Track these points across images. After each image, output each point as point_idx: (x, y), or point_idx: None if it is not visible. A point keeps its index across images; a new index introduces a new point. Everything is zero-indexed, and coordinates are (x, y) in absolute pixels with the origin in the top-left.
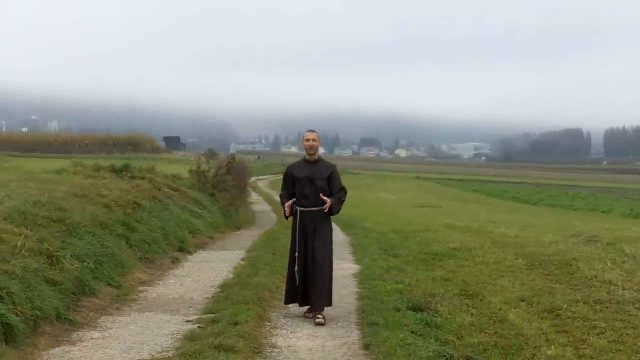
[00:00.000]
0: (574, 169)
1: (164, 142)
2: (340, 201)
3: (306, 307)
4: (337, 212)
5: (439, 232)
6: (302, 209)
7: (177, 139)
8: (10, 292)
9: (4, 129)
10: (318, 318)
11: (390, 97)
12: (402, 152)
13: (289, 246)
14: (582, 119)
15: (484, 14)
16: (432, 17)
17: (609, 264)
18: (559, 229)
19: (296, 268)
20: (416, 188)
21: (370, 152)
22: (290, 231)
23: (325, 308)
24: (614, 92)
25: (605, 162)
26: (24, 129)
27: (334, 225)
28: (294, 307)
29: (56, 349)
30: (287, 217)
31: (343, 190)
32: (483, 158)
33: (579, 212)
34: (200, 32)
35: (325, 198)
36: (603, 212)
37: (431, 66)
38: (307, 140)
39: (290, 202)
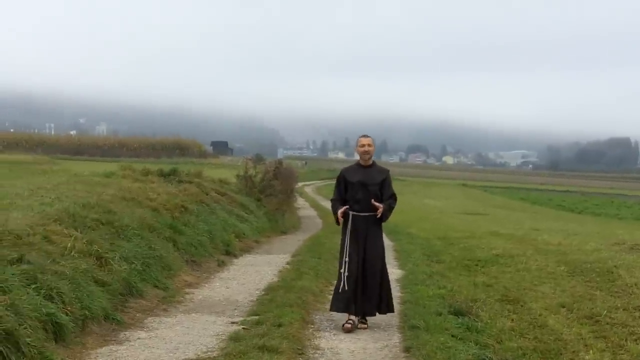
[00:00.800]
0: (621, 178)
1: (211, 147)
2: (390, 208)
3: (354, 316)
4: (387, 219)
5: (483, 239)
6: (355, 213)
7: (225, 143)
8: (60, 292)
9: (53, 132)
10: (362, 323)
11: (438, 104)
12: (449, 159)
13: (333, 251)
14: (630, 128)
15: (533, 20)
16: (480, 23)
17: None
18: (603, 238)
19: (346, 274)
20: (462, 195)
21: (418, 159)
22: (338, 236)
23: (378, 314)
24: None
25: None
26: (73, 132)
27: None
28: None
29: (104, 348)
30: (338, 223)
31: (393, 196)
32: (530, 166)
33: (624, 221)
34: (248, 37)
35: (377, 204)
36: None
37: (479, 73)
38: (362, 145)
39: (343, 208)
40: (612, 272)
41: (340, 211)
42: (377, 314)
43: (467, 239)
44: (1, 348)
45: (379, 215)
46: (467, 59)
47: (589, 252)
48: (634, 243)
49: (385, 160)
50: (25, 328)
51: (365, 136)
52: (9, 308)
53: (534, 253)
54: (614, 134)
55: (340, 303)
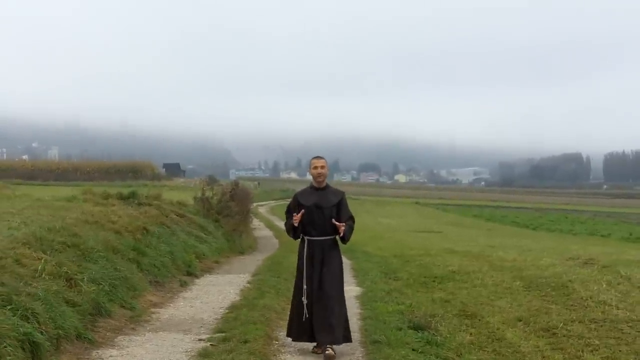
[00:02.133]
0: (574, 193)
1: (164, 169)
2: (351, 229)
3: (314, 343)
4: (348, 239)
5: (439, 256)
6: (311, 238)
7: (177, 165)
8: (35, 313)
9: (5, 157)
10: (328, 350)
11: (390, 123)
12: (401, 178)
13: (292, 269)
14: (581, 144)
15: (484, 35)
16: (429, 39)
17: (604, 285)
18: (557, 253)
19: (305, 301)
20: (416, 213)
21: (370, 178)
22: (295, 255)
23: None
24: (613, 117)
25: (605, 187)
26: (25, 157)
27: None
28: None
29: None
30: (294, 235)
31: (352, 218)
32: (482, 183)
33: (578, 236)
34: (197, 58)
35: (337, 223)
36: (602, 236)
37: (430, 91)
38: (315, 167)
39: (300, 214)
40: (567, 286)
41: (296, 216)
42: (341, 343)
43: (422, 257)
44: None
45: (341, 234)
46: (418, 77)
47: (544, 267)
48: (588, 258)
49: (338, 179)
50: (5, 347)
51: (318, 157)
52: None
53: (490, 269)
54: (567, 150)
55: (304, 333)
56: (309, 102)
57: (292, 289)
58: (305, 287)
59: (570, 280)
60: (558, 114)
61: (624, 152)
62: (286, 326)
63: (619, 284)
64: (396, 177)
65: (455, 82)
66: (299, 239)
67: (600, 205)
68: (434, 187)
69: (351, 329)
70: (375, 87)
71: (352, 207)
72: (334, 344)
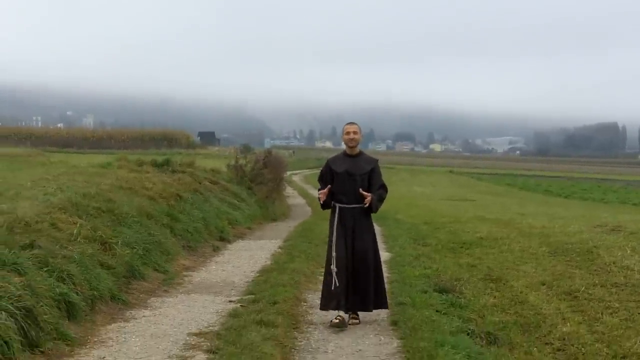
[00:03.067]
0: (609, 163)
1: (198, 138)
2: (381, 198)
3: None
4: (377, 209)
5: (469, 223)
6: (342, 205)
7: (212, 134)
8: (71, 274)
9: (40, 125)
10: (353, 319)
11: (425, 92)
12: (436, 147)
13: (323, 236)
14: (617, 113)
15: (519, 4)
16: (465, 8)
17: (628, 252)
18: (586, 220)
19: (334, 269)
20: (449, 182)
21: (405, 147)
22: (327, 222)
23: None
24: None
25: None
26: (60, 125)
27: None
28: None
29: (112, 325)
30: (323, 206)
31: (383, 187)
32: (517, 152)
33: (609, 205)
34: (233, 27)
35: (365, 193)
36: (634, 204)
37: (467, 60)
38: (348, 133)
39: (326, 189)
40: (592, 252)
41: (322, 191)
42: (372, 310)
43: (452, 224)
44: (22, 324)
45: (366, 205)
46: (453, 46)
47: (571, 234)
48: (616, 225)
49: (373, 148)
50: (42, 306)
51: (351, 123)
52: (26, 288)
53: (518, 235)
54: (602, 120)
55: (331, 301)
56: (343, 71)
57: (322, 254)
58: (335, 254)
59: (595, 246)
60: (595, 84)
61: None
62: (317, 287)
63: None
64: (431, 146)
65: (491, 51)
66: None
67: (634, 174)
68: (469, 156)
69: None
70: (410, 57)
71: (386, 175)
72: (364, 311)
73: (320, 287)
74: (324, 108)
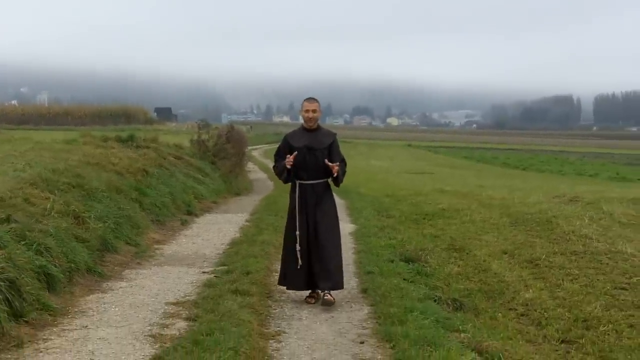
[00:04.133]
0: (564, 135)
1: (155, 114)
2: (343, 172)
3: (308, 292)
4: (341, 182)
5: (430, 195)
6: (302, 182)
7: (169, 110)
8: (48, 247)
9: None
10: (327, 295)
11: (383, 66)
12: (394, 121)
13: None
14: (572, 86)
15: None
16: None
17: (586, 221)
18: (545, 192)
19: (298, 247)
20: (408, 155)
21: (363, 121)
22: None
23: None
24: (603, 58)
25: (595, 128)
26: (14, 102)
27: None
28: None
29: (91, 296)
30: (286, 176)
31: (343, 161)
32: (474, 126)
33: (566, 176)
34: (193, 2)
35: (331, 164)
36: (590, 176)
37: (426, 36)
38: (307, 111)
39: (292, 156)
40: (552, 222)
41: (289, 158)
42: (330, 290)
43: (414, 196)
44: (7, 294)
45: (334, 175)
46: (413, 21)
47: (531, 205)
48: (573, 196)
49: (330, 122)
50: (24, 278)
51: (310, 100)
52: (7, 261)
53: (479, 207)
54: (558, 92)
55: (299, 281)
56: (302, 48)
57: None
58: (298, 232)
59: (554, 216)
60: (550, 57)
61: (614, 94)
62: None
63: (600, 219)
64: (388, 120)
65: (448, 26)
66: (290, 184)
67: (589, 146)
68: (426, 130)
69: (346, 261)
70: (369, 30)
71: (345, 150)
72: (335, 289)
73: None
74: (284, 83)
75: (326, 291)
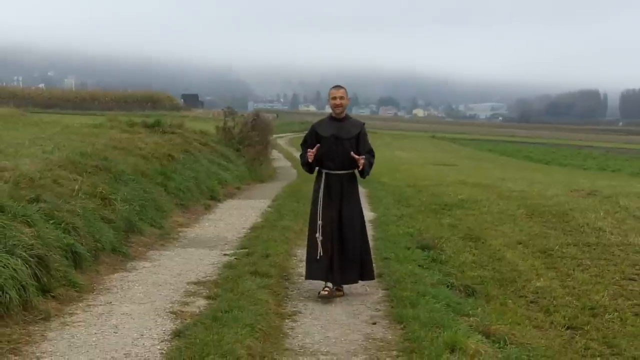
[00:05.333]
0: (590, 129)
1: (182, 100)
2: (370, 164)
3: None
4: (367, 174)
5: (451, 187)
6: (328, 172)
7: (195, 96)
8: (76, 227)
9: (21, 84)
10: (338, 290)
11: (410, 57)
12: (419, 112)
13: (310, 195)
14: (598, 81)
15: None
16: None
17: (601, 214)
18: (564, 186)
19: (320, 238)
20: (432, 147)
21: (388, 112)
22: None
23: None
24: (631, 52)
25: (620, 124)
26: (41, 85)
27: None
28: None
29: (115, 275)
30: (308, 168)
31: (371, 152)
32: (500, 119)
33: (588, 171)
34: None
35: (357, 156)
36: (612, 171)
37: (452, 28)
38: (334, 98)
39: (314, 148)
40: (567, 214)
41: (310, 151)
42: (359, 281)
43: (435, 187)
44: (36, 270)
45: (360, 168)
46: (439, 13)
47: (548, 197)
48: (592, 190)
49: (357, 113)
50: (52, 255)
51: (337, 87)
52: (37, 238)
53: (497, 198)
54: (584, 87)
55: (318, 271)
56: (330, 37)
57: (307, 236)
58: (320, 222)
59: (570, 209)
60: (577, 52)
61: None
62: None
63: (616, 212)
64: (414, 111)
65: (475, 18)
66: (315, 173)
67: (614, 141)
68: (452, 122)
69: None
70: (397, 21)
71: (370, 140)
72: (348, 284)
73: None
74: (309, 72)
75: (337, 287)
